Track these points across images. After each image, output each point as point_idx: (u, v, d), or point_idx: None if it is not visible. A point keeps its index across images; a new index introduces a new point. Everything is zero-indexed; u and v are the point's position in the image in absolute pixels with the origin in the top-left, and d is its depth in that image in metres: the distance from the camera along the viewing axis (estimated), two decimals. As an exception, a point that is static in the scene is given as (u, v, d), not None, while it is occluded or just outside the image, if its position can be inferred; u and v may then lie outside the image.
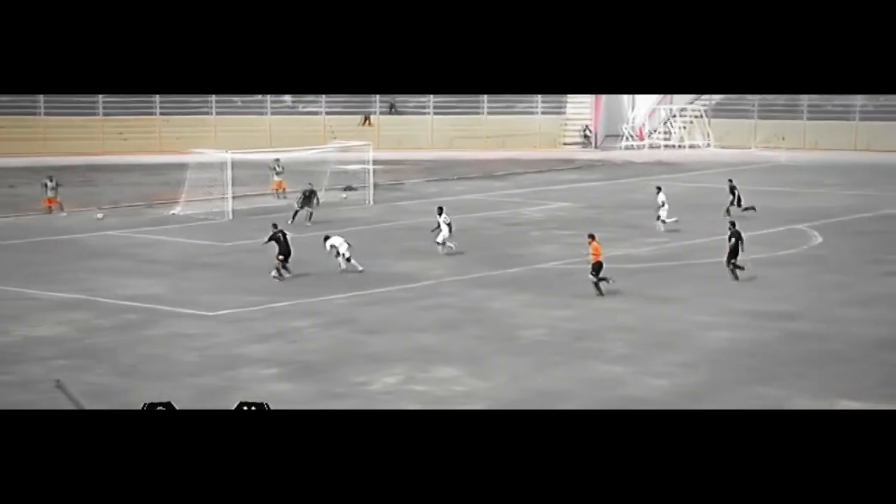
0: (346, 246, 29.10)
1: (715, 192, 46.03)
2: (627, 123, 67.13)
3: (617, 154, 62.93)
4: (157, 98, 59.63)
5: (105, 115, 60.09)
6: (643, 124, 67.61)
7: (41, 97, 57.87)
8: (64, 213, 39.25)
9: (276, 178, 44.48)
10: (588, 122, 67.36)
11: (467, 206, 41.75)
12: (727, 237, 28.10)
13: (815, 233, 34.99)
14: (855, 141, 58.72)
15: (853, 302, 25.31)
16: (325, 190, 43.21)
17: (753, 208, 37.83)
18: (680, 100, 66.39)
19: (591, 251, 26.60)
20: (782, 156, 59.07)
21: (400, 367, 20.69)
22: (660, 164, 58.26)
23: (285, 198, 42.60)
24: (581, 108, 67.28)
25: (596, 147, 66.19)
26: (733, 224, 28.74)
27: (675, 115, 67.56)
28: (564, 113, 67.78)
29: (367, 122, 64.74)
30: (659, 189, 37.11)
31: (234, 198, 39.87)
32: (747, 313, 24.25)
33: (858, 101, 63.03)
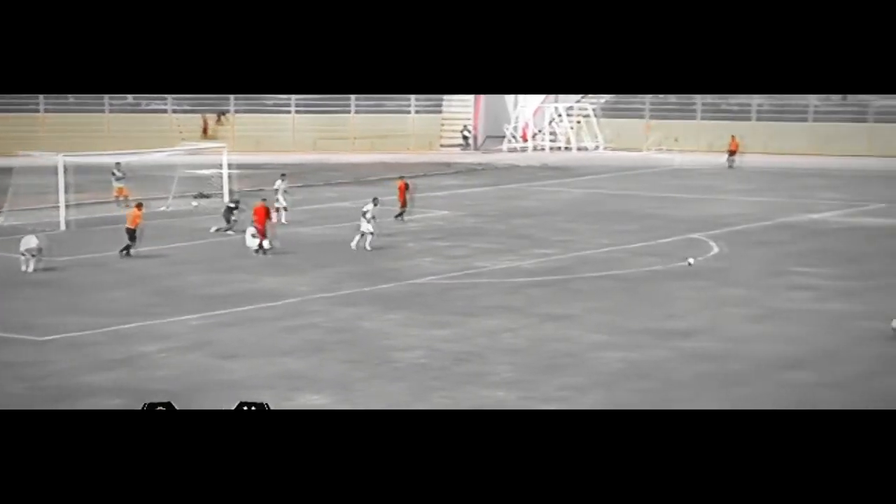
0: (35, 243, 31.05)
1: (608, 199, 47.04)
2: (510, 123, 67.97)
3: (500, 157, 63.69)
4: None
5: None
6: (527, 124, 68.53)
7: None
8: None
9: (118, 184, 43.72)
10: (468, 122, 67.98)
11: (336, 215, 41.71)
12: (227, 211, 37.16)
13: (713, 243, 36.07)
14: (753, 142, 60.71)
15: (753, 318, 26.16)
16: (174, 198, 42.68)
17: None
18: (566, 97, 67.39)
19: (132, 217, 33.14)
20: (676, 159, 60.70)
21: (262, 396, 20.48)
22: (545, 168, 59.21)
23: (128, 206, 41.88)
24: (460, 106, 67.81)
25: (476, 149, 66.84)
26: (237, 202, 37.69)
27: (560, 115, 68.68)
28: (441, 112, 68.24)
29: (220, 120, 64.10)
30: (283, 176, 41.06)
31: (68, 206, 39.01)
32: (641, 331, 24.81)
33: (756, 100, 65.24)
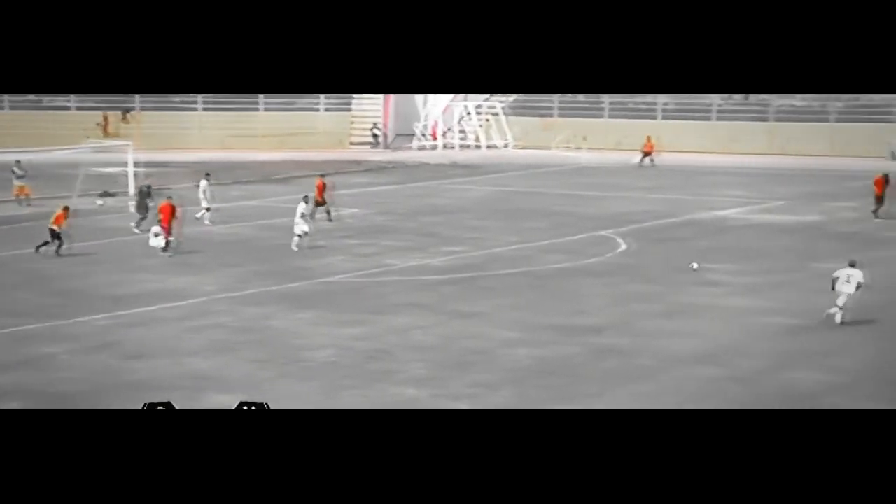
0: None
1: (517, 197, 47.35)
2: (420, 122, 68.10)
3: (409, 155, 63.76)
4: None
5: None
6: (436, 123, 68.72)
7: None
8: None
9: (18, 183, 42.87)
10: (377, 120, 67.95)
11: (245, 214, 41.37)
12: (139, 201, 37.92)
13: (620, 240, 36.50)
14: (658, 140, 61.59)
15: (661, 314, 26.53)
16: (79, 196, 41.99)
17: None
18: (475, 96, 67.65)
19: (55, 217, 32.79)
20: (583, 157, 61.33)
21: (168, 396, 20.25)
22: (455, 165, 59.40)
23: (29, 205, 41.12)
24: (369, 104, 67.76)
25: (386, 147, 66.86)
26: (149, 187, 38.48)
27: (469, 113, 68.98)
28: (350, 110, 68.13)
29: (125, 118, 63.23)
30: (207, 176, 40.69)
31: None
32: (550, 328, 25.02)
33: (661, 99, 66.20)
